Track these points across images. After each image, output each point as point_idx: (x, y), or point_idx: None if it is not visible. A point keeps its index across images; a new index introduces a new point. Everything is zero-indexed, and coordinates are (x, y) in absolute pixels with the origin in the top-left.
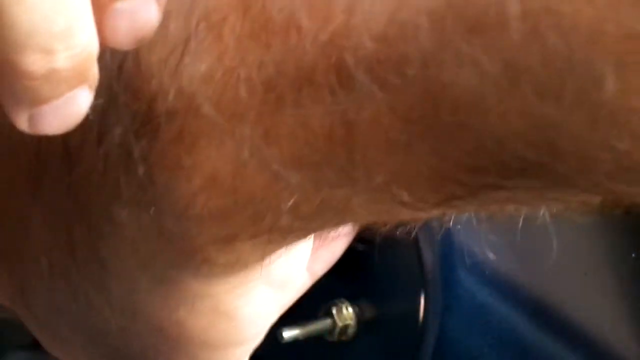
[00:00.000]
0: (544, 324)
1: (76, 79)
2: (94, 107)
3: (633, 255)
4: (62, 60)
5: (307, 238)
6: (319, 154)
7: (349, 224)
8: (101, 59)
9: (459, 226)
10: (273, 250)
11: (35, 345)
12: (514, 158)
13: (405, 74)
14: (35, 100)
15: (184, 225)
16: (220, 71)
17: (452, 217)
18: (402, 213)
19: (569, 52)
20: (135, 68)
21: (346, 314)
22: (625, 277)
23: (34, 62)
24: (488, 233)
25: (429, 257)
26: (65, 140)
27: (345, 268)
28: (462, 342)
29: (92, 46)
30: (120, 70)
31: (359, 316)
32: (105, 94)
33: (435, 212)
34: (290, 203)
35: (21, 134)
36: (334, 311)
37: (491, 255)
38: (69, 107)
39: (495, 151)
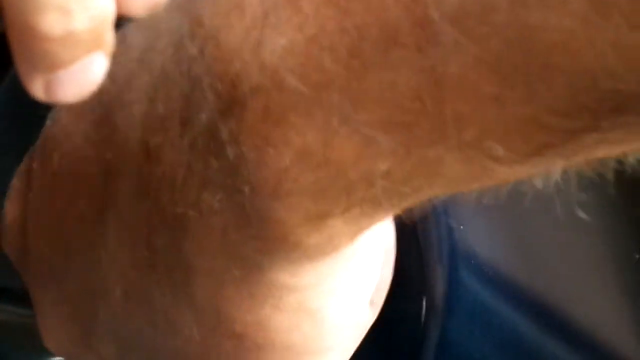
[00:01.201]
0: (546, 325)
1: (93, 43)
2: (173, 98)
3: (636, 256)
4: (79, 22)
5: (399, 210)
6: (409, 114)
7: (445, 191)
8: (180, 46)
9: (462, 226)
10: (364, 227)
11: (36, 348)
12: (609, 95)
13: (492, 21)
14: (52, 65)
15: (276, 204)
16: (301, 42)
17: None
18: (496, 171)
19: None
20: (217, 50)
21: None
22: (628, 278)
23: (51, 23)
24: (490, 234)
25: (430, 258)
26: (145, 142)
27: None
28: (464, 344)
29: (108, 10)
30: (202, 54)
31: None
32: (187, 80)
33: (526, 167)
34: (382, 167)
35: (84, 160)
36: None
37: (493, 256)
38: (85, 73)
39: (590, 90)
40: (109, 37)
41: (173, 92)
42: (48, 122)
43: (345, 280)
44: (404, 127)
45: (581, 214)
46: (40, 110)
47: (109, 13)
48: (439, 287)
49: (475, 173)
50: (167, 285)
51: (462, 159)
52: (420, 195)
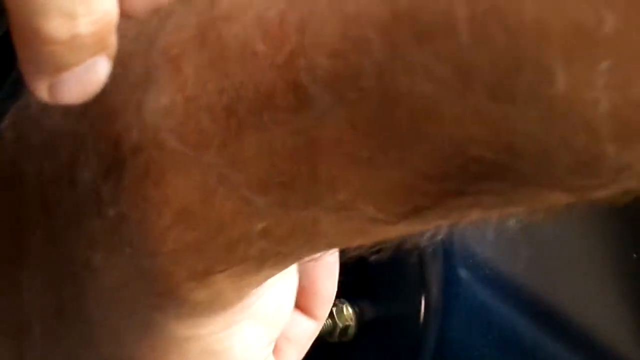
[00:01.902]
0: (544, 324)
1: (97, 46)
2: (65, 155)
3: (634, 256)
4: (83, 26)
5: (284, 267)
6: (284, 176)
7: (325, 249)
8: (67, 108)
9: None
10: (251, 283)
11: None
12: (473, 161)
13: (362, 87)
14: (57, 67)
15: (160, 262)
16: (181, 102)
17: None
18: (373, 231)
19: (517, 50)
20: (100, 109)
21: (346, 314)
22: (626, 277)
23: (57, 27)
24: (488, 233)
25: (429, 257)
26: (44, 196)
27: (346, 269)
28: (463, 342)
29: (112, 13)
30: (85, 114)
31: (359, 317)
32: (73, 139)
33: (404, 227)
34: (260, 227)
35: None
36: (334, 312)
37: (491, 255)
38: (89, 75)
39: (455, 156)
40: (113, 39)
41: (62, 150)
42: None
43: (251, 320)
44: (280, 188)
45: (580, 214)
46: None
47: (113, 16)
48: (438, 286)
49: (354, 232)
50: (74, 334)
51: (338, 220)
52: (303, 254)
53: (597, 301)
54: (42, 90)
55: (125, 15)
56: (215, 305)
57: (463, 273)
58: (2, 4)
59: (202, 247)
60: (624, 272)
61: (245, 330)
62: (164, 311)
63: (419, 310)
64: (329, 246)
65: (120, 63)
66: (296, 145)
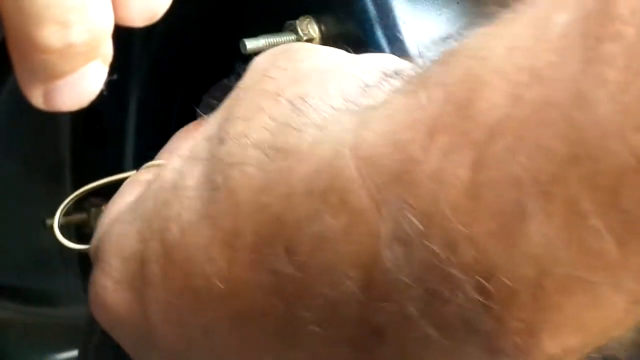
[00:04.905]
0: None
1: (91, 53)
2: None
3: None
4: (77, 34)
5: None
6: None
7: None
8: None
9: None
10: None
11: (33, 345)
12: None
13: None
14: (51, 75)
15: None
16: None
17: None
18: None
19: None
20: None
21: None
22: None
23: (50, 35)
24: None
25: None
26: (367, 322)
27: None
28: None
29: (106, 21)
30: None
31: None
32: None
33: None
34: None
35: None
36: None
37: None
38: (84, 82)
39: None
40: (107, 47)
41: None
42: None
43: None
44: None
45: None
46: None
47: (108, 24)
48: None
49: None
50: None
51: None
52: None
53: None
54: (37, 98)
55: (121, 22)
56: None
57: None
58: None
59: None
60: None
61: None
62: None
63: None
64: None
65: None
66: None
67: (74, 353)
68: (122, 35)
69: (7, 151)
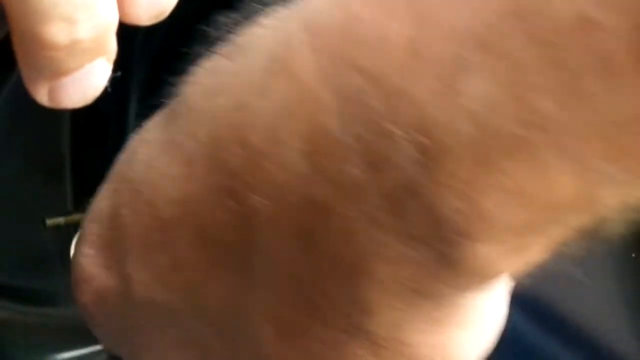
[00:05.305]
0: (544, 323)
1: (96, 51)
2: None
3: (633, 255)
4: (83, 31)
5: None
6: None
7: None
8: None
9: None
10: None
11: (33, 346)
12: None
13: None
14: (57, 72)
15: (482, 247)
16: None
17: None
18: None
19: None
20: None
21: None
22: (625, 277)
23: (57, 32)
24: None
25: None
26: (309, 197)
27: None
28: None
29: (111, 18)
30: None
31: None
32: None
33: None
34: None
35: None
36: None
37: None
38: (89, 79)
39: None
40: (112, 44)
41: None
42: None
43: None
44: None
45: None
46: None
47: (113, 21)
48: None
49: None
50: (334, 324)
51: None
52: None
53: (597, 301)
54: (42, 95)
55: (127, 20)
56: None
57: None
58: (2, 9)
59: (528, 225)
60: (624, 272)
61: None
62: (466, 288)
63: None
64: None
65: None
66: None
67: (74, 353)
68: (123, 34)
69: (7, 151)
